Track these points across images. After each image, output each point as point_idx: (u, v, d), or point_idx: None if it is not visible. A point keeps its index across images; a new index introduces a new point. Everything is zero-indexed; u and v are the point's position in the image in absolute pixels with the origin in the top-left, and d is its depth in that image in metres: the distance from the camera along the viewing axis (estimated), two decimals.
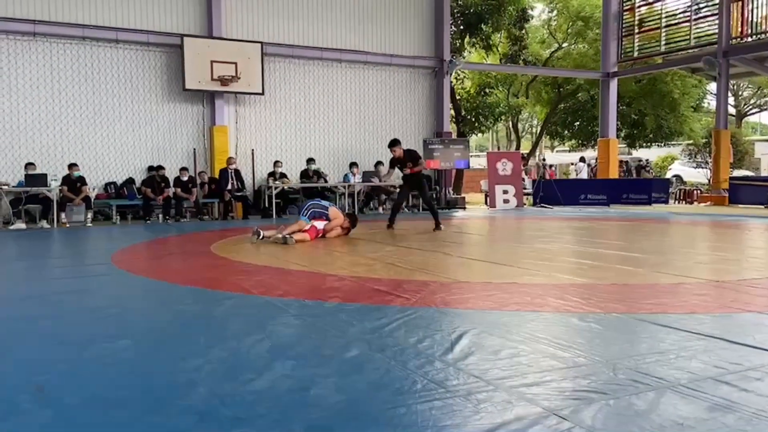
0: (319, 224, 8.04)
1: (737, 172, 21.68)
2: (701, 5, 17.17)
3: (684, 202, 17.73)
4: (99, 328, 3.56)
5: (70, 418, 2.22)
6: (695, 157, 24.19)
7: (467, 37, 19.83)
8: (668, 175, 25.63)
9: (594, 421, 2.10)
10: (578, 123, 24.80)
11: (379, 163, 14.48)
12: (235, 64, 13.04)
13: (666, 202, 16.59)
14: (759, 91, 34.38)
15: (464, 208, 15.80)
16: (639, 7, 18.47)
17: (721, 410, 2.17)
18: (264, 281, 5.00)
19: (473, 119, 20.36)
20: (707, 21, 16.90)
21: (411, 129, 15.79)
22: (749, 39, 15.98)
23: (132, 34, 12.54)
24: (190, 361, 2.83)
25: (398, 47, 15.47)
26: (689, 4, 17.32)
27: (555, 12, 24.13)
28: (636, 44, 18.62)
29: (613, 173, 18.53)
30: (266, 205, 12.95)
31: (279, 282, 5.00)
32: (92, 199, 11.53)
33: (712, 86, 22.89)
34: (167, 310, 4.16)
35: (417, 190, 9.93)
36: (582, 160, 21.32)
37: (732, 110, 32.37)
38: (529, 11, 21.95)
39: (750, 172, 25.93)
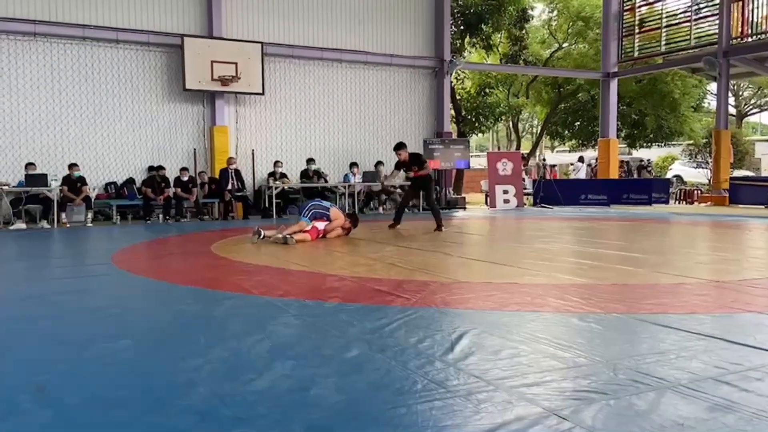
0: (320, 225, 8.04)
1: (737, 173, 21.68)
2: (701, 5, 17.17)
3: (684, 202, 17.72)
4: (99, 328, 3.56)
5: (70, 418, 2.22)
6: (695, 157, 24.19)
7: (467, 37, 19.83)
8: (668, 175, 25.62)
9: (594, 421, 2.10)
10: (578, 123, 24.80)
11: (379, 163, 14.49)
12: (236, 64, 13.04)
13: (666, 202, 16.58)
14: (759, 91, 34.37)
15: (464, 208, 15.80)
16: (639, 7, 18.47)
17: (722, 410, 2.17)
18: (264, 281, 5.00)
19: (473, 119, 20.36)
20: (707, 21, 16.90)
21: (411, 129, 15.79)
22: (749, 39, 15.98)
23: (132, 34, 12.54)
24: (191, 361, 2.83)
25: (398, 47, 15.47)
26: (689, 4, 17.33)
27: (555, 12, 24.13)
28: (636, 44, 18.62)
29: (614, 173, 18.53)
30: (266, 205, 12.95)
31: (279, 282, 5.00)
32: (92, 199, 11.53)
33: (713, 86, 22.91)
34: (167, 310, 4.16)
35: (423, 191, 9.95)
36: (580, 159, 21.32)
37: (732, 110, 32.36)
38: (530, 11, 21.96)
39: (750, 172, 25.92)
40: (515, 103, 23.35)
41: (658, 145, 25.43)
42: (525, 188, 16.63)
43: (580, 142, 25.61)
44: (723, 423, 2.07)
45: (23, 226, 10.64)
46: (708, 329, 3.29)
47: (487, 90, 20.97)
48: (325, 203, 8.64)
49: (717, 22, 16.21)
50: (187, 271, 5.88)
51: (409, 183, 10.48)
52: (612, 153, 18.63)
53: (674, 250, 7.08)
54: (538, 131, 31.12)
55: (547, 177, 17.31)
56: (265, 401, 2.33)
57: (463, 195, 17.96)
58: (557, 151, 39.65)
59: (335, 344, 3.11)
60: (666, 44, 18.12)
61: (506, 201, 15.55)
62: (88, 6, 12.20)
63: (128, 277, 5.51)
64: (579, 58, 23.25)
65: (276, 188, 12.77)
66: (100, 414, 2.25)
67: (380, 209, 14.29)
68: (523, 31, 21.43)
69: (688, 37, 17.40)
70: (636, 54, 18.87)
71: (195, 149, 13.39)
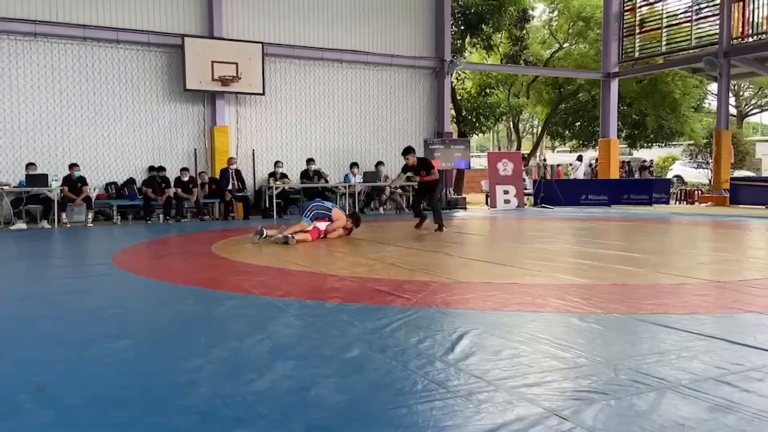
0: (322, 225, 8.04)
1: (738, 173, 21.67)
2: (702, 5, 17.16)
3: (685, 202, 17.72)
4: (99, 328, 3.56)
5: (70, 418, 2.22)
6: (696, 157, 24.16)
7: (468, 37, 19.82)
8: (669, 175, 25.60)
9: (595, 421, 2.10)
10: (579, 123, 24.78)
11: (379, 164, 14.49)
12: (236, 64, 13.05)
13: (667, 202, 16.58)
14: (760, 92, 34.35)
15: (465, 208, 15.80)
16: (640, 7, 18.47)
17: (722, 411, 2.17)
18: (265, 281, 5.00)
19: (474, 119, 20.36)
20: (708, 21, 16.89)
21: (412, 129, 15.79)
22: (750, 39, 15.97)
23: (133, 35, 12.55)
24: (191, 362, 2.83)
25: (399, 47, 15.47)
26: (690, 4, 17.32)
27: (556, 12, 24.11)
28: (637, 44, 18.62)
29: (614, 174, 18.53)
30: (267, 205, 12.95)
31: (280, 282, 5.00)
32: (93, 200, 11.54)
33: (713, 86, 22.88)
34: (168, 310, 4.16)
35: (429, 194, 9.90)
36: (579, 158, 21.30)
37: (733, 110, 32.34)
38: (530, 11, 21.96)
39: (751, 172, 25.91)
40: (516, 104, 23.34)
41: (659, 146, 25.42)
42: (525, 188, 16.63)
43: (581, 142, 25.59)
44: (724, 423, 2.07)
45: (24, 226, 10.65)
46: (709, 329, 3.29)
47: (487, 90, 20.96)
48: (327, 204, 8.64)
49: (717, 22, 16.20)
50: (187, 271, 5.88)
51: (408, 183, 10.46)
52: (612, 153, 18.63)
53: (675, 251, 7.08)
54: (539, 131, 31.12)
55: (553, 177, 17.27)
56: (266, 401, 2.33)
57: (463, 195, 17.97)
58: (558, 152, 39.64)
59: (336, 344, 3.11)
60: (667, 44, 18.12)
61: (507, 201, 15.55)
62: (88, 6, 12.20)
63: (129, 277, 5.51)
64: (579, 59, 23.24)
65: (276, 188, 12.77)
66: (100, 414, 2.25)
67: (381, 209, 14.30)
68: (524, 32, 21.42)
69: (688, 37, 17.39)
70: (636, 54, 18.86)
71: (195, 149, 13.39)
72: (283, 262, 6.12)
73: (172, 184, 12.17)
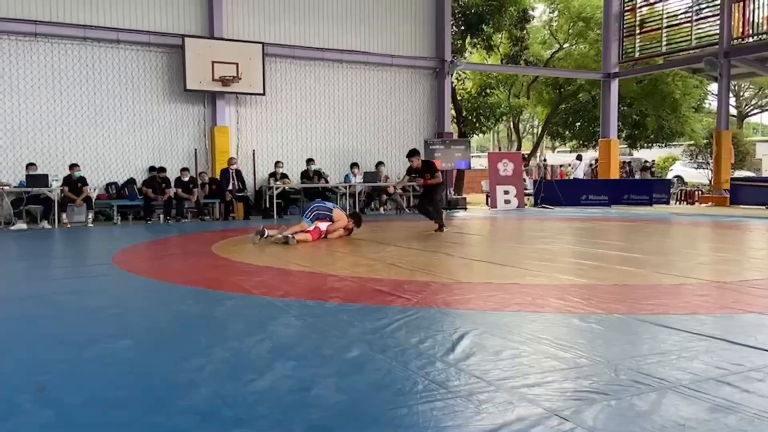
0: (323, 225, 8.04)
1: (738, 173, 21.65)
2: (702, 6, 17.16)
3: (685, 202, 17.71)
4: (99, 328, 3.56)
5: (70, 418, 2.22)
6: (696, 157, 24.15)
7: (468, 37, 19.81)
8: (669, 175, 25.60)
9: (595, 421, 2.10)
10: (579, 123, 24.78)
11: (380, 164, 14.49)
12: (236, 64, 13.05)
13: (667, 202, 16.58)
14: (760, 92, 34.34)
15: (465, 208, 15.79)
16: (640, 7, 18.47)
17: (723, 411, 2.17)
18: (265, 282, 5.00)
19: (474, 120, 20.36)
20: (708, 21, 16.89)
21: (412, 129, 15.79)
22: (750, 39, 15.97)
23: (133, 35, 12.55)
24: (191, 362, 2.83)
25: (399, 48, 15.47)
26: (690, 4, 17.32)
27: (556, 12, 24.11)
28: (637, 45, 18.62)
29: (614, 174, 18.52)
30: (267, 205, 12.94)
31: (280, 282, 5.00)
32: (93, 200, 11.54)
33: (714, 87, 22.87)
34: (168, 310, 4.16)
35: (431, 196, 9.85)
36: (579, 157, 21.29)
37: (733, 111, 32.32)
38: (530, 12, 21.95)
39: (751, 172, 25.91)
40: (516, 104, 23.33)
41: (659, 146, 25.41)
42: (526, 189, 16.63)
43: (581, 142, 25.59)
44: (724, 424, 2.07)
45: (24, 226, 10.65)
46: (709, 330, 3.29)
47: (487, 90, 20.96)
48: (328, 204, 8.63)
49: (718, 22, 16.20)
50: (187, 271, 5.88)
51: (409, 183, 10.41)
52: (613, 153, 18.63)
53: (675, 251, 7.08)
54: (539, 132, 31.11)
55: (554, 177, 17.26)
56: (266, 401, 2.33)
57: (463, 195, 17.96)
58: (558, 152, 39.64)
59: (336, 344, 3.10)
60: (667, 45, 18.12)
61: (507, 201, 15.55)
62: (88, 6, 12.21)
63: (129, 277, 5.51)
64: (580, 59, 23.24)
65: (277, 188, 12.76)
66: (100, 414, 2.25)
67: (381, 209, 14.30)
68: (524, 32, 21.41)
69: (688, 37, 17.39)
70: (637, 54, 18.86)
71: (196, 149, 13.39)
72: (284, 262, 6.12)
73: (172, 185, 12.18)
